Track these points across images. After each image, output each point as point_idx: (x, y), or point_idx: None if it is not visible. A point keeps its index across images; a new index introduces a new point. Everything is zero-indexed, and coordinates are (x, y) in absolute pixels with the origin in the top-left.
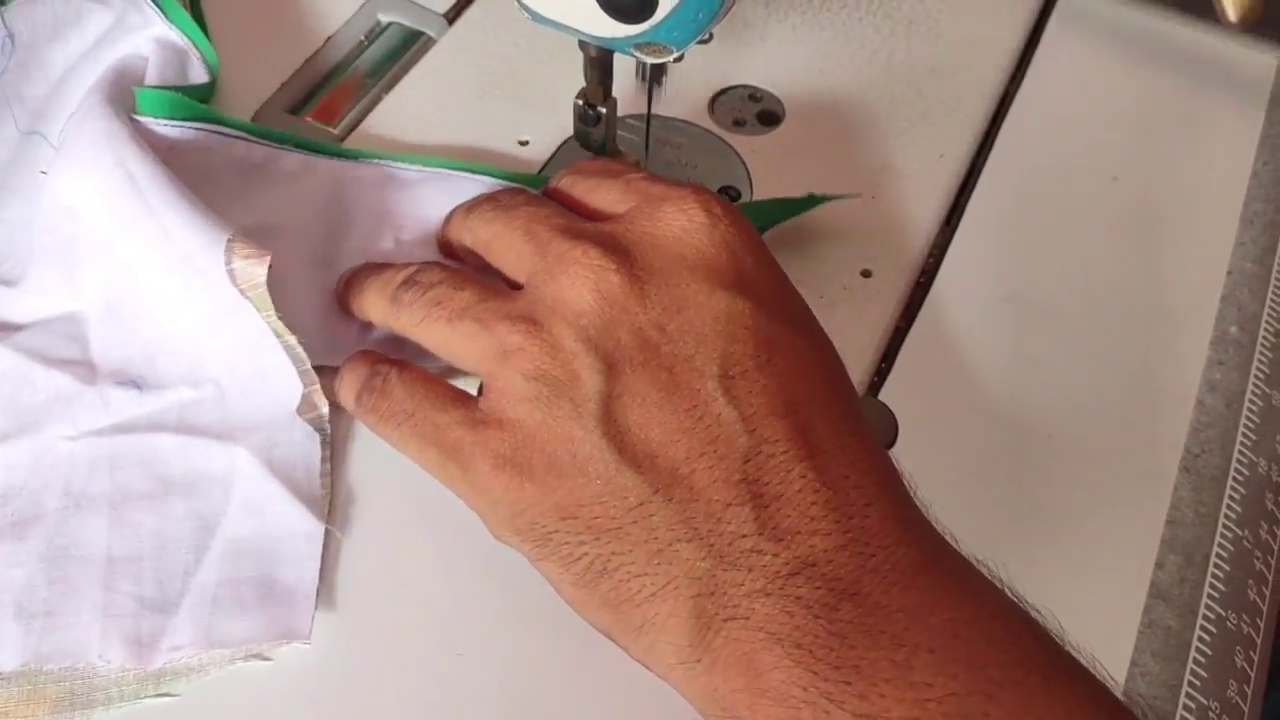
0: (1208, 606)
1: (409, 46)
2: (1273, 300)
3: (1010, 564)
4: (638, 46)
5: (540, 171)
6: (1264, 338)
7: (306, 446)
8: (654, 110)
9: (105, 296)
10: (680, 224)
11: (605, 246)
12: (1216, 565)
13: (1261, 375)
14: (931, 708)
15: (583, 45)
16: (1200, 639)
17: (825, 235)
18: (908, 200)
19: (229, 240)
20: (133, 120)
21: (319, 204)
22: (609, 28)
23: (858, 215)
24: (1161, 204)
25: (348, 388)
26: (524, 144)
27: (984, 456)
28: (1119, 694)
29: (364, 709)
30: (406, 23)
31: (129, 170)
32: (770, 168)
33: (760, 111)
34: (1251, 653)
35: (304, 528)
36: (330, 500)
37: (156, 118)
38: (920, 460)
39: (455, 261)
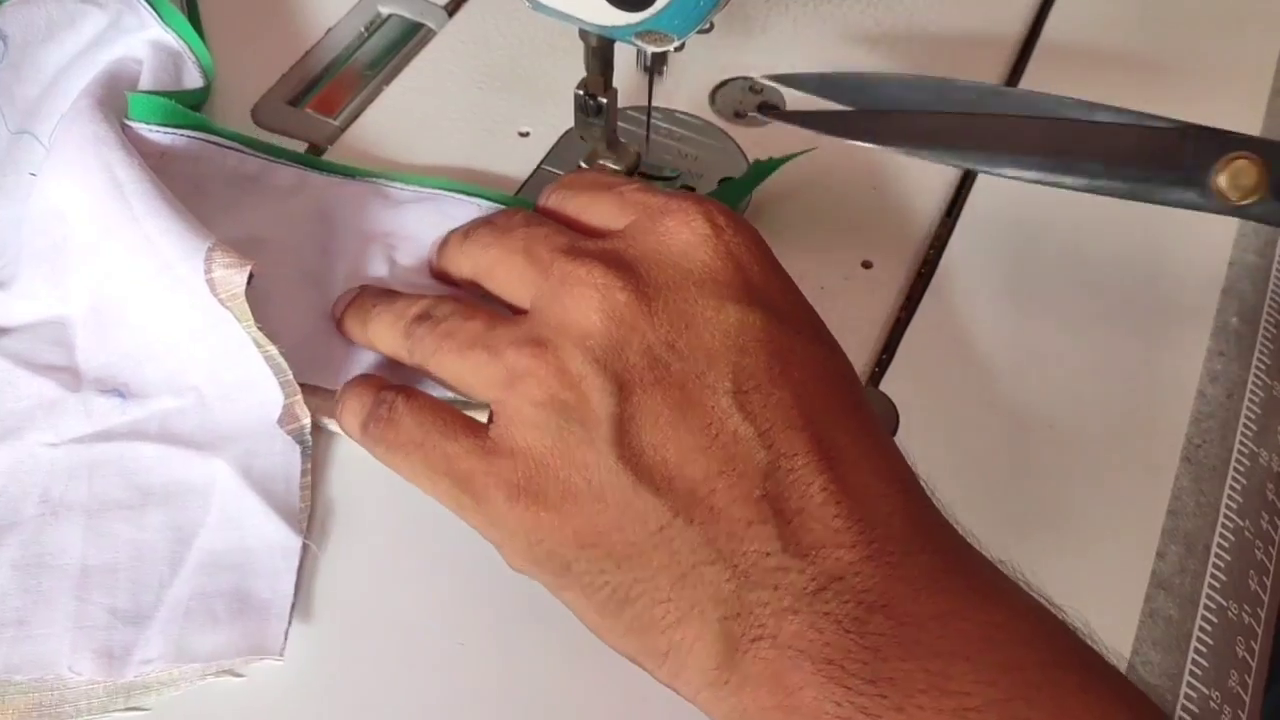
0: (1209, 596)
1: (409, 38)
2: (1274, 292)
3: (1012, 554)
4: (638, 35)
5: (540, 164)
6: (1265, 329)
7: (287, 458)
8: (654, 101)
9: (91, 301)
10: (684, 237)
11: (609, 264)
12: (1218, 555)
13: (1262, 366)
14: (972, 717)
15: (583, 35)
16: (1201, 629)
17: (826, 226)
18: (909, 192)
19: (209, 249)
20: (124, 125)
21: (310, 219)
22: (609, 16)
23: (859, 206)
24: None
25: (352, 415)
26: (524, 135)
27: (985, 447)
28: None
29: None
30: (407, 14)
31: (115, 175)
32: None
33: (761, 103)
34: (1253, 643)
35: (281, 541)
36: (310, 514)
37: (148, 123)
38: (921, 451)
39: (452, 288)
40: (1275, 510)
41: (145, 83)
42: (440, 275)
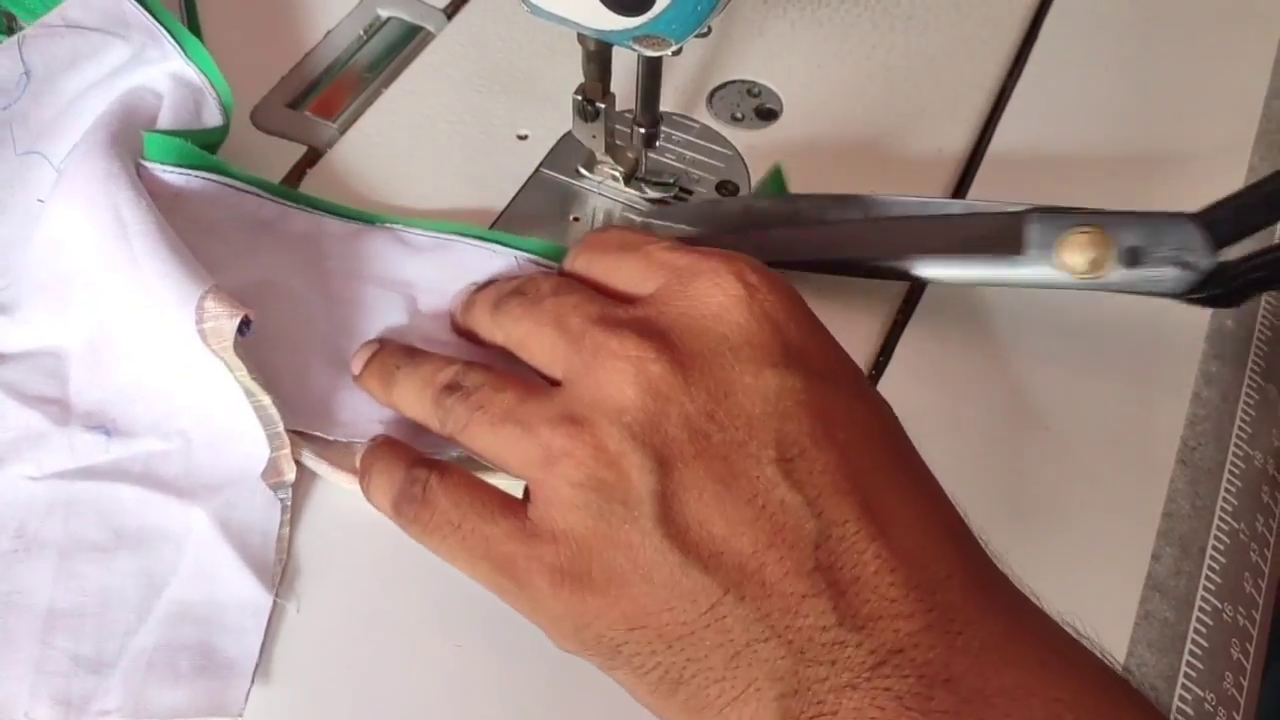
0: (1204, 599)
1: (408, 41)
2: (1269, 295)
3: (1008, 555)
4: (636, 39)
5: (538, 167)
6: (1260, 331)
7: (267, 513)
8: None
9: (89, 335)
10: (716, 300)
11: (641, 333)
12: (1213, 558)
13: (1258, 369)
14: None
15: (581, 38)
16: (1196, 631)
17: None
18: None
19: (201, 297)
20: (138, 165)
21: (326, 266)
22: (607, 20)
23: None
24: (1159, 199)
25: (381, 492)
26: (523, 138)
27: (981, 449)
28: None
29: None
30: (406, 17)
31: (121, 214)
32: (768, 163)
33: (758, 106)
34: (1248, 645)
35: (252, 598)
36: (283, 571)
37: (164, 164)
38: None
39: (474, 345)
40: (1270, 513)
41: (165, 119)
42: (465, 335)
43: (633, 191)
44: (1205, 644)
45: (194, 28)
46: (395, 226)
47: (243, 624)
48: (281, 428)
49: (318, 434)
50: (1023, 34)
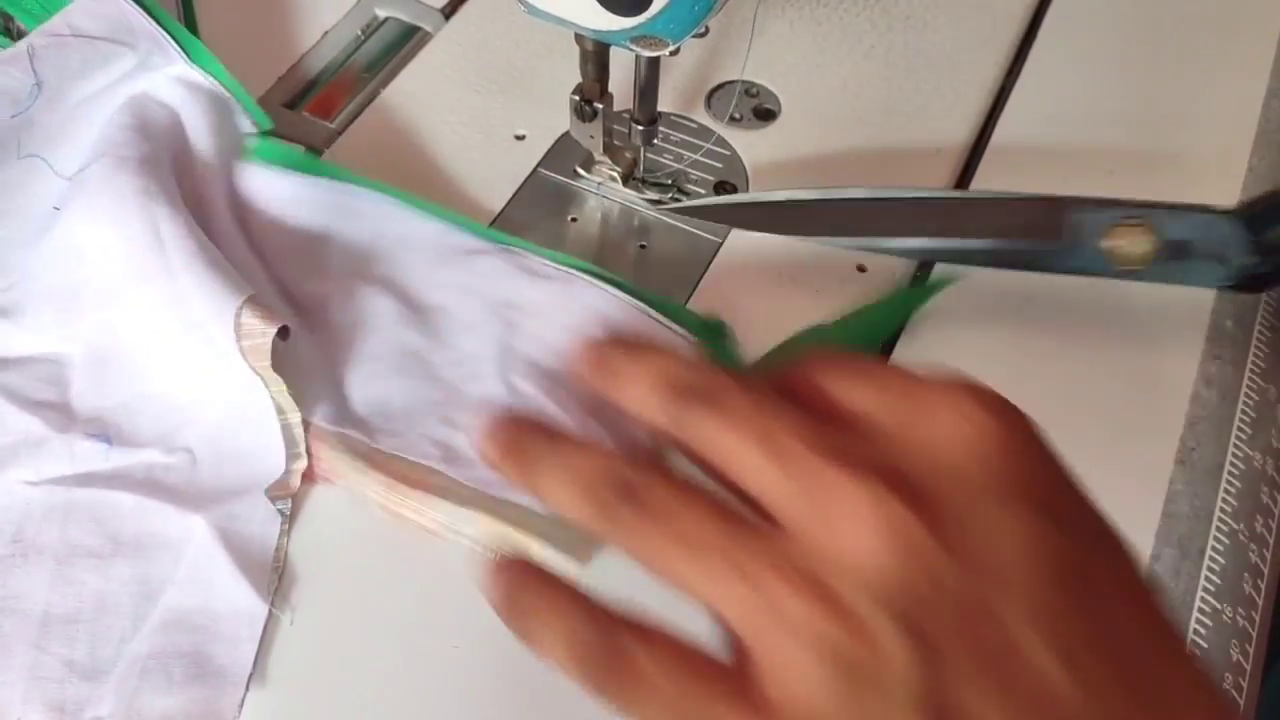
0: (1203, 599)
1: (406, 41)
2: (1268, 296)
3: None
4: (634, 39)
5: (536, 167)
6: (1259, 332)
7: (266, 526)
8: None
9: (98, 344)
10: (964, 433)
11: (880, 473)
12: (1212, 559)
13: (1257, 370)
14: None
15: (579, 39)
16: (1196, 632)
17: None
18: None
19: (238, 311)
20: (231, 170)
21: (436, 276)
22: (605, 20)
23: None
24: (1158, 198)
25: (564, 647)
26: (520, 138)
27: None
28: None
29: None
30: (403, 17)
31: (159, 229)
32: (767, 163)
33: (756, 107)
34: (1247, 645)
35: (248, 607)
36: (279, 583)
37: (272, 165)
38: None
39: (577, 386)
40: (1269, 513)
41: (198, 129)
42: (584, 391)
43: (631, 191)
44: (1204, 645)
45: (191, 27)
46: (519, 250)
47: (238, 632)
48: (303, 447)
49: (360, 438)
50: (1021, 33)
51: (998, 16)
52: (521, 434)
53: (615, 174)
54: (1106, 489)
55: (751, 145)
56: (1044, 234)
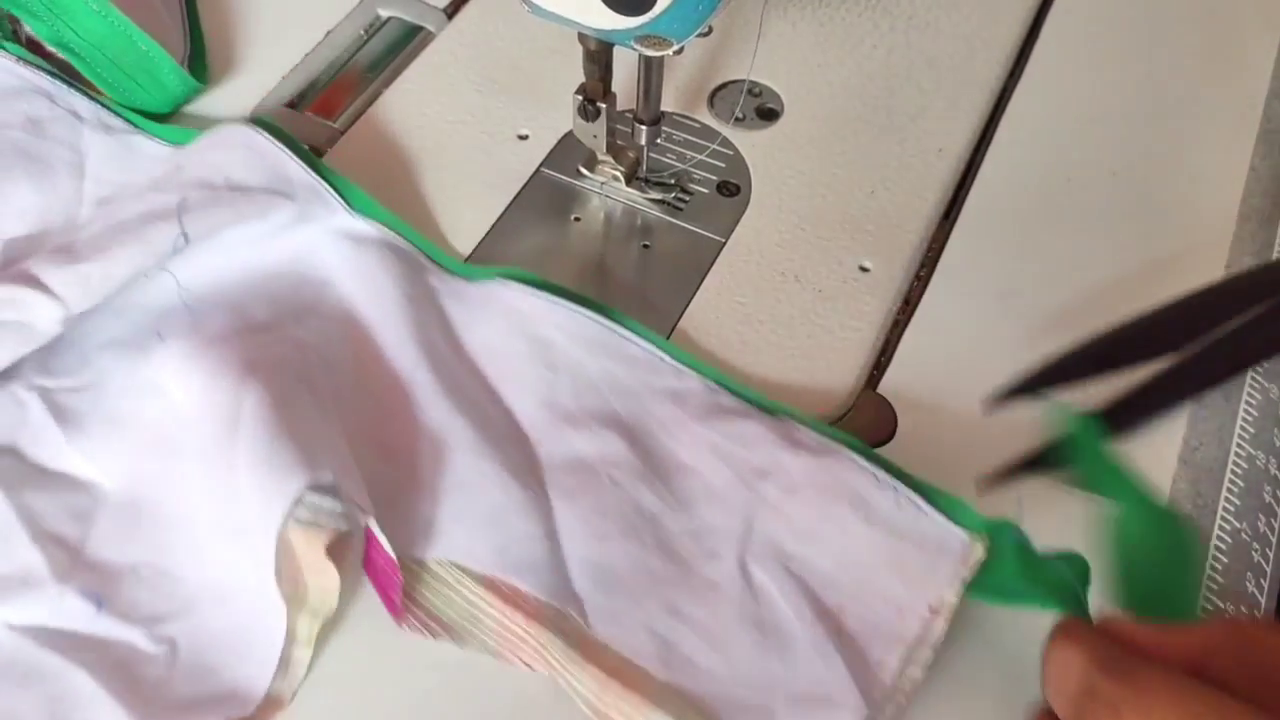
0: (1206, 598)
1: (408, 41)
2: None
3: None
4: (637, 39)
5: (539, 167)
6: None
7: None
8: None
9: (137, 493)
10: None
11: None
12: (1215, 558)
13: (1260, 369)
14: None
15: (582, 38)
16: None
17: (824, 230)
18: (906, 195)
19: (286, 516)
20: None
21: (689, 435)
22: (608, 20)
23: (856, 210)
24: (1159, 199)
25: None
26: (523, 138)
27: (982, 449)
28: None
29: None
30: (406, 17)
31: (240, 413)
32: (769, 163)
33: (759, 106)
34: None
35: None
36: None
37: (367, 217)
38: (918, 453)
39: None
40: (1272, 513)
41: (367, 276)
42: None
43: (634, 191)
44: None
45: (194, 29)
46: (785, 417)
47: None
48: (297, 687)
49: (577, 619)
50: (1024, 34)
51: (1000, 16)
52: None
53: (618, 174)
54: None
55: (754, 145)
56: None
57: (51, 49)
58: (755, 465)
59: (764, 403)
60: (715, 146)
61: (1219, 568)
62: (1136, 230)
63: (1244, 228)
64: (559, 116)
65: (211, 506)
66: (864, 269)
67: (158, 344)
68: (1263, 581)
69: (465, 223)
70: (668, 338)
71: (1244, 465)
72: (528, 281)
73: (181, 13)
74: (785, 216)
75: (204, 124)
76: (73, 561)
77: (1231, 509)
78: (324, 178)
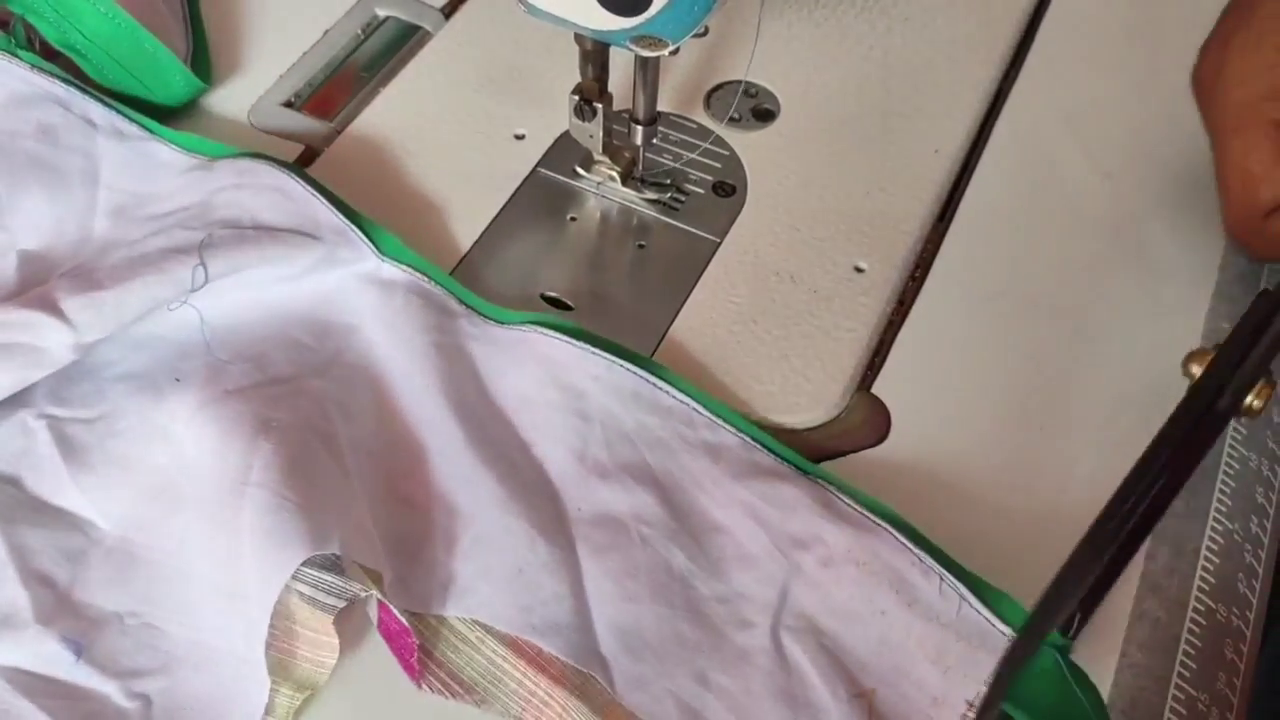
0: (1197, 599)
1: (406, 40)
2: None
3: (1004, 558)
4: (633, 39)
5: (536, 166)
6: None
7: None
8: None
9: (134, 540)
10: None
11: None
12: (1207, 558)
13: None
14: None
15: (579, 38)
16: (1190, 631)
17: (819, 231)
18: (902, 196)
19: (284, 588)
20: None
21: (724, 495)
22: (604, 20)
23: (852, 211)
24: (1154, 200)
25: None
26: (520, 137)
27: (975, 450)
28: (1107, 686)
29: None
30: (403, 17)
31: (250, 472)
32: (765, 163)
33: (756, 107)
34: (1241, 645)
35: None
36: None
37: (398, 262)
38: (912, 453)
39: None
40: (1265, 514)
41: (394, 323)
42: None
43: (630, 191)
44: (1199, 644)
45: (195, 26)
46: (825, 484)
47: None
48: None
49: (602, 684)
50: (1020, 34)
51: (996, 17)
52: None
53: (614, 174)
54: (1101, 488)
55: (750, 145)
56: None
57: (59, 50)
58: (792, 533)
59: (802, 464)
60: (711, 146)
61: (1211, 568)
62: (1131, 231)
63: None
64: (555, 116)
65: (208, 565)
66: (859, 269)
67: (174, 388)
68: (1254, 583)
69: (462, 222)
70: (662, 338)
71: (1236, 466)
72: (561, 329)
73: (184, 12)
74: (781, 217)
75: (207, 123)
76: (58, 604)
77: (1224, 510)
78: (354, 222)
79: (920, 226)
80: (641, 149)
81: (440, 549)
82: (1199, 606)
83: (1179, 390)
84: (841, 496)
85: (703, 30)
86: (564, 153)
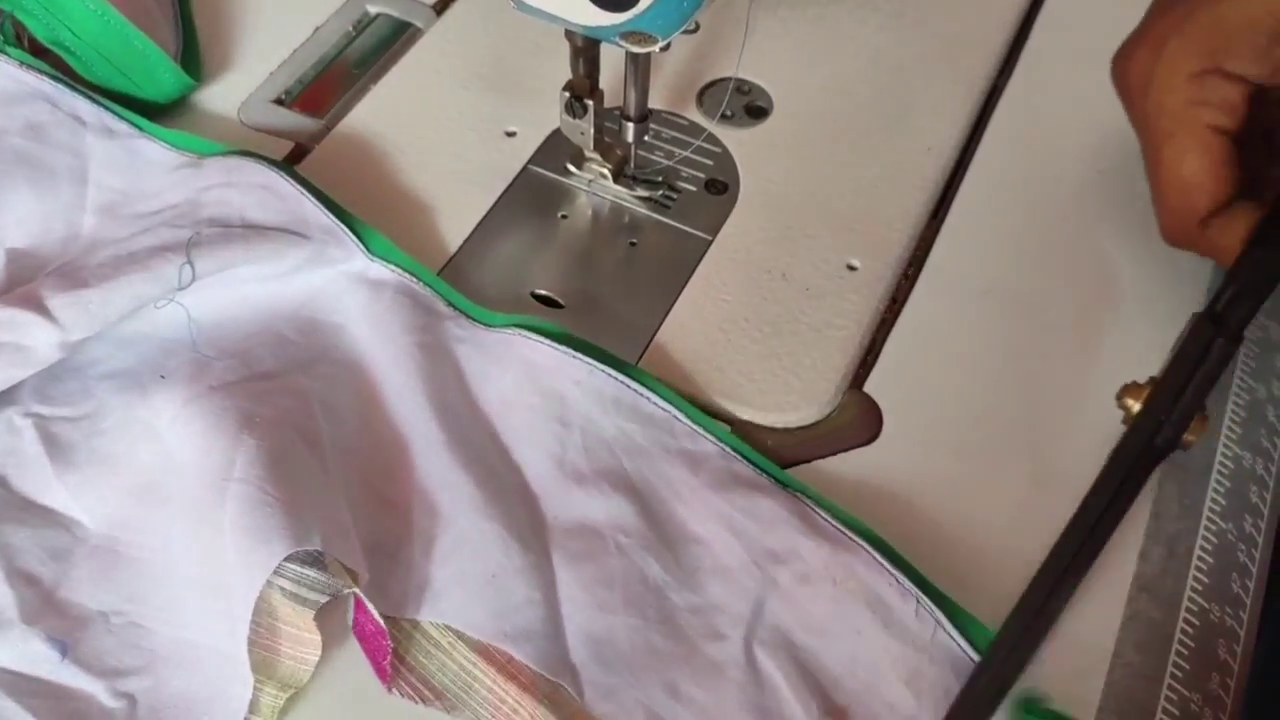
0: (1191, 599)
1: (397, 37)
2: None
3: (994, 555)
4: (623, 35)
5: (527, 164)
6: (1249, 331)
7: None
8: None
9: (119, 538)
10: None
11: None
12: (1200, 558)
13: (1247, 369)
14: None
15: (569, 35)
16: (1183, 631)
17: (811, 229)
18: (894, 194)
19: (265, 587)
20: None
21: (703, 507)
22: (594, 16)
23: (844, 208)
24: (1148, 197)
25: None
26: (511, 135)
27: (967, 448)
28: (1100, 686)
29: None
30: (394, 13)
31: (233, 467)
32: (758, 161)
33: (748, 104)
34: (1234, 645)
35: None
36: None
37: (387, 261)
38: (904, 452)
39: None
40: (1258, 513)
41: (380, 322)
42: None
43: (621, 189)
44: (1192, 644)
45: (187, 23)
46: (804, 498)
47: None
48: None
49: (571, 694)
50: (1014, 32)
51: (990, 14)
52: None
53: (606, 171)
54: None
55: (742, 143)
56: None
57: (48, 47)
58: (770, 548)
59: (781, 476)
60: (703, 144)
61: (1204, 567)
62: (1125, 228)
63: None
64: (547, 113)
65: (192, 562)
66: (851, 267)
67: (159, 385)
68: (1248, 582)
69: (452, 219)
70: (653, 336)
71: (1230, 465)
72: (548, 333)
73: (174, 9)
74: (773, 214)
75: (197, 120)
76: (43, 603)
77: (1217, 509)
78: (343, 221)
79: (913, 224)
80: (633, 146)
81: (417, 551)
82: (1192, 606)
83: None
84: (819, 511)
85: (693, 27)
86: (555, 150)
